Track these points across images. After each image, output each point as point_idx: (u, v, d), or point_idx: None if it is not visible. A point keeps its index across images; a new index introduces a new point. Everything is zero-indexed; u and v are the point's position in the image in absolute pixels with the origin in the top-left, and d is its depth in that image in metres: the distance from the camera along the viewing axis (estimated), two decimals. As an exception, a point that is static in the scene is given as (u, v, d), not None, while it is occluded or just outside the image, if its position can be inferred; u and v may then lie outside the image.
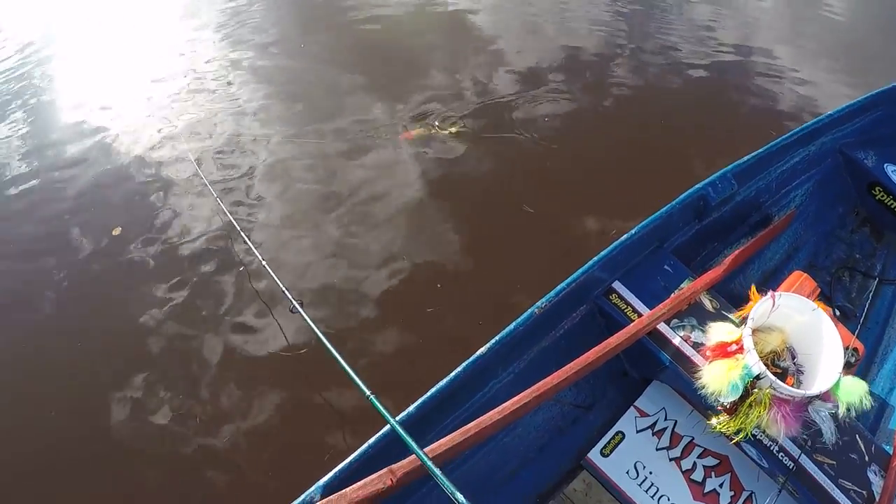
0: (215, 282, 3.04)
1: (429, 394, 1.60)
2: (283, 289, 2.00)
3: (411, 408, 1.57)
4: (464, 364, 1.66)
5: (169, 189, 3.59)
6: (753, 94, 4.46)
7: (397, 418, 1.50)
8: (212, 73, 4.61)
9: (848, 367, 1.82)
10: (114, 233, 3.34)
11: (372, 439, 1.52)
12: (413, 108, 4.14)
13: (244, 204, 3.47)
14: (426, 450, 1.38)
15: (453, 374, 1.64)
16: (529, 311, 1.77)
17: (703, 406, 1.71)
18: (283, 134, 3.99)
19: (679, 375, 1.78)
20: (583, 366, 1.62)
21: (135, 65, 4.76)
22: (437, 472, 1.27)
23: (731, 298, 1.98)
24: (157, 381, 2.66)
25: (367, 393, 1.47)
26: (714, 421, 1.62)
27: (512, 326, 1.74)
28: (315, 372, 2.62)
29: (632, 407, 2.01)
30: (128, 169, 3.77)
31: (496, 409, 1.48)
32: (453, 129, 3.92)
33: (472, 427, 1.44)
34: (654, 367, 1.95)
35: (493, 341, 1.70)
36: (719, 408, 1.59)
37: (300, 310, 1.86)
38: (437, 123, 3.98)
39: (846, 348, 1.74)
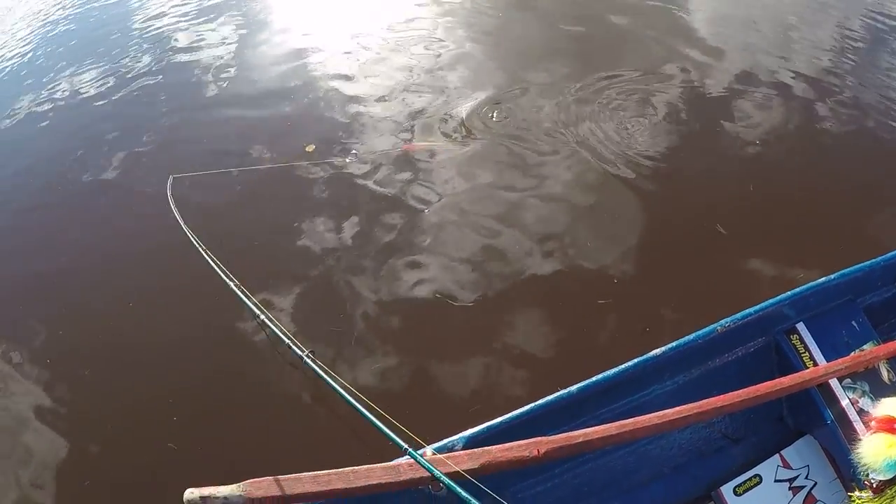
0: (384, 215, 3.41)
1: (592, 380, 1.71)
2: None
3: (573, 388, 1.69)
4: (634, 361, 1.74)
5: (360, 122, 4.12)
6: None
7: (556, 395, 1.67)
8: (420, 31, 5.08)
9: None
10: (307, 149, 3.90)
11: (524, 408, 1.67)
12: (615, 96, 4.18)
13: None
14: (576, 433, 1.54)
15: (621, 367, 1.74)
16: (711, 327, 1.80)
17: (849, 476, 1.67)
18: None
19: (835, 437, 1.76)
20: (747, 398, 1.64)
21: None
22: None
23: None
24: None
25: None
26: (856, 495, 1.57)
27: (690, 337, 1.78)
28: (484, 328, 2.84)
29: (778, 455, 1.98)
30: (328, 97, 4.40)
31: (655, 414, 1.57)
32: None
33: (625, 424, 1.55)
34: (813, 421, 1.91)
35: (667, 347, 1.76)
36: (866, 483, 1.54)
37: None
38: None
39: None
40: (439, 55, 4.79)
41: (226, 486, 1.47)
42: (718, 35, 4.83)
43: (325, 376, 1.69)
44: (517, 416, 1.66)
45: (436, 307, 2.94)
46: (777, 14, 5.18)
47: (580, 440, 1.56)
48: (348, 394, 1.59)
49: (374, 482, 1.42)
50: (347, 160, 3.83)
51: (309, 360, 1.82)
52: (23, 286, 3.51)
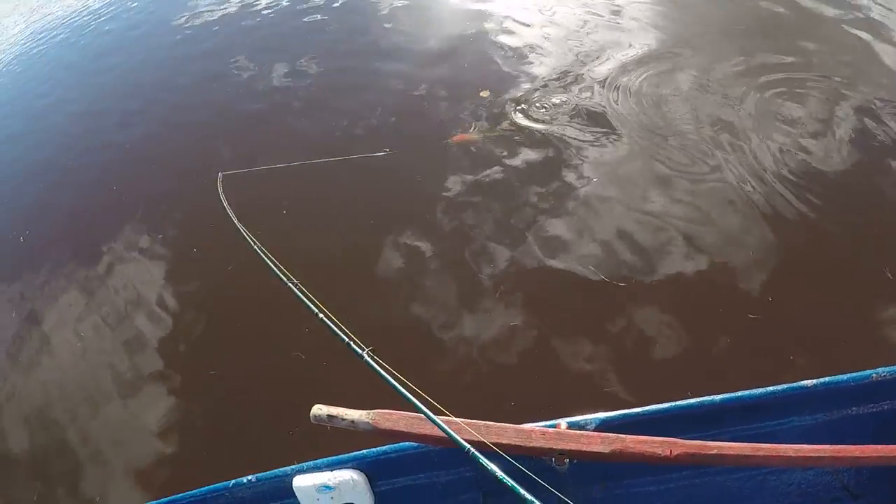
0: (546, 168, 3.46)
1: (735, 394, 1.63)
2: None
3: (716, 397, 1.61)
4: (782, 387, 1.65)
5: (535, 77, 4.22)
6: None
7: (697, 400, 1.59)
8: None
9: None
10: (481, 94, 4.08)
11: (662, 405, 1.60)
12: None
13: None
14: (712, 444, 1.47)
15: (768, 389, 1.65)
16: (867, 372, 1.68)
17: None
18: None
19: None
20: (888, 456, 1.51)
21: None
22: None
23: None
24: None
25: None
26: None
27: (843, 377, 1.67)
28: (611, 314, 2.80)
29: None
30: (500, 50, 4.56)
31: (791, 446, 1.48)
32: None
33: (761, 448, 1.47)
34: None
35: (818, 381, 1.66)
36: None
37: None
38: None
39: None
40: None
41: (355, 411, 1.47)
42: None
43: (387, 375, 1.58)
44: (652, 412, 1.59)
45: (567, 285, 2.94)
46: None
47: (714, 452, 1.49)
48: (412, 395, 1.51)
49: (503, 442, 1.40)
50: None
51: (368, 359, 1.80)
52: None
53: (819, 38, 4.30)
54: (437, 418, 1.42)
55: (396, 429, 1.42)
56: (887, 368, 1.69)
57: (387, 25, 5.33)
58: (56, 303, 4.06)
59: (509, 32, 4.83)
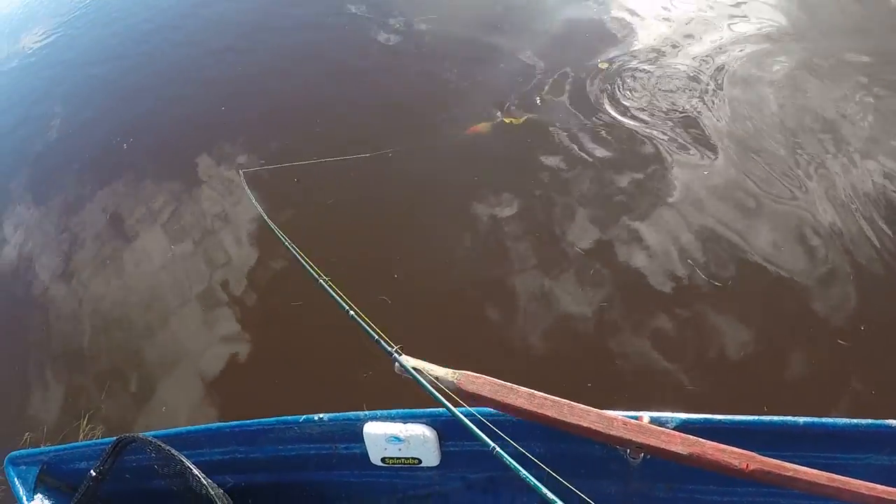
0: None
1: (819, 420, 1.59)
2: None
3: (799, 419, 1.58)
4: (866, 420, 1.61)
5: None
6: None
7: (778, 419, 1.56)
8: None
9: None
10: (600, 65, 4.19)
11: (742, 417, 1.57)
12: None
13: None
14: (788, 465, 1.43)
15: (849, 420, 1.61)
16: None
17: None
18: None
19: None
20: None
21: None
22: None
23: None
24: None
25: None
26: None
27: None
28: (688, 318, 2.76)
29: None
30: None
31: (864, 483, 1.43)
32: None
33: (836, 480, 1.42)
34: None
35: None
36: None
37: None
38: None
39: None
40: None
41: (441, 368, 1.50)
42: None
43: (416, 374, 1.60)
44: (733, 422, 1.57)
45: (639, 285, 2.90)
46: None
47: (790, 474, 1.45)
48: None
49: (584, 424, 1.40)
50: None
51: (396, 357, 1.80)
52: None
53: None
54: (521, 389, 1.44)
55: (480, 393, 1.45)
56: None
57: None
58: (147, 209, 4.35)
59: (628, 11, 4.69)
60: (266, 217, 2.58)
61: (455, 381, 1.47)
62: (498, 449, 1.75)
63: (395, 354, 1.61)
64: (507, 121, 3.97)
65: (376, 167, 3.86)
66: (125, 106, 5.48)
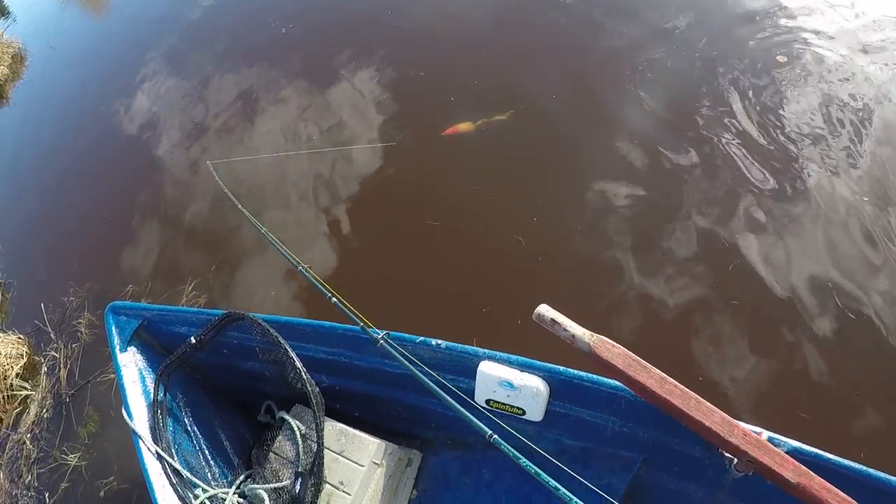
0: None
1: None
2: None
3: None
4: None
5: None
6: None
7: (887, 476, 1.54)
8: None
9: None
10: (778, 59, 3.96)
11: (852, 463, 1.54)
12: None
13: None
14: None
15: None
16: None
17: None
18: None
19: None
20: None
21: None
22: None
23: None
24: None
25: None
26: None
27: None
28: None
29: None
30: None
31: None
32: None
33: None
34: None
35: None
36: None
37: None
38: None
39: None
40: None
41: (579, 327, 1.55)
42: None
43: (402, 359, 1.72)
44: (845, 466, 1.54)
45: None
46: None
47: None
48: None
49: (706, 423, 1.42)
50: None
51: (384, 343, 1.85)
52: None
53: None
54: (654, 369, 1.47)
55: (613, 361, 1.49)
56: None
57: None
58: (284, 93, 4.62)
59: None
60: (240, 206, 2.58)
61: (591, 343, 1.52)
62: (603, 422, 1.79)
63: (383, 342, 1.81)
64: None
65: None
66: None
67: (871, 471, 1.58)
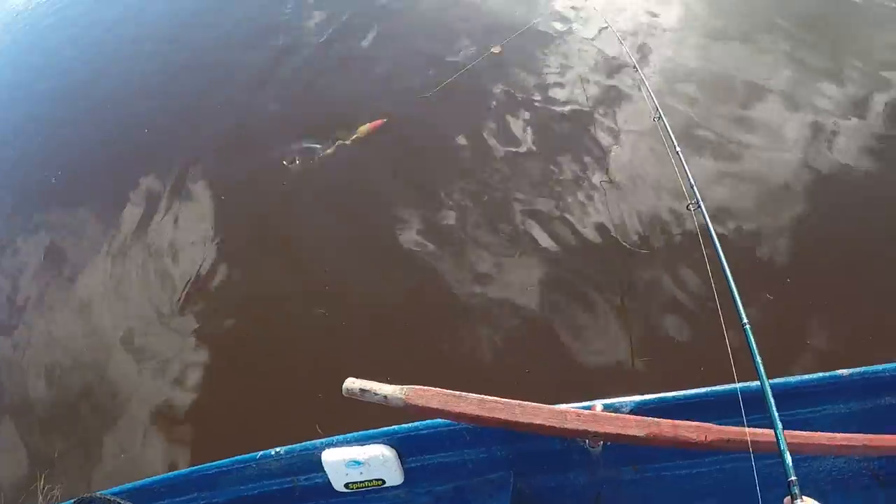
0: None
1: (771, 381, 1.55)
2: None
3: (752, 384, 1.56)
4: (818, 375, 1.65)
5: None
6: None
7: (729, 386, 1.57)
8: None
9: None
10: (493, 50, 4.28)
11: (696, 390, 1.57)
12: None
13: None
14: (746, 430, 1.44)
15: (803, 377, 1.65)
16: None
17: None
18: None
19: None
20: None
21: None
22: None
23: None
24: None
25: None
26: None
27: (880, 368, 1.69)
28: None
29: None
30: None
31: (825, 434, 1.49)
32: None
33: (796, 436, 1.47)
34: None
35: (854, 370, 1.67)
36: None
37: None
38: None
39: None
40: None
41: (388, 385, 1.46)
42: None
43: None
44: (687, 397, 1.58)
45: None
46: None
47: (748, 438, 1.47)
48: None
49: (537, 422, 1.37)
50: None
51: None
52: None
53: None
54: (470, 396, 1.41)
55: (430, 406, 1.41)
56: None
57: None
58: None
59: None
60: None
61: (403, 396, 1.43)
62: (460, 458, 1.74)
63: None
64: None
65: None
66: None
67: (713, 388, 1.61)
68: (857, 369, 1.67)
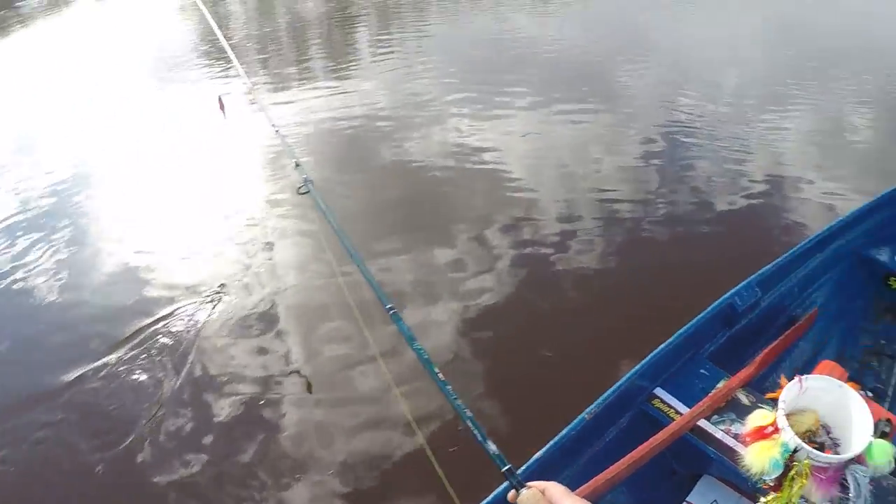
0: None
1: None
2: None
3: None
4: (541, 450, 1.76)
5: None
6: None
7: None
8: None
9: (884, 437, 1.63)
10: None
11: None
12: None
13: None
14: None
15: (537, 455, 1.75)
16: (580, 417, 1.86)
17: (751, 490, 1.76)
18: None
19: (725, 466, 1.85)
20: (631, 462, 1.70)
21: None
22: None
23: (766, 393, 2.01)
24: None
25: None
26: (762, 500, 1.63)
27: (564, 431, 1.82)
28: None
29: (685, 502, 2.05)
30: None
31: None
32: None
33: None
34: (701, 462, 2.04)
35: (549, 444, 1.78)
36: (765, 487, 1.61)
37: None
38: None
39: (879, 421, 1.68)
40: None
41: None
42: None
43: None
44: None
45: None
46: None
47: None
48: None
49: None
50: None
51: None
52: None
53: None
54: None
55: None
56: (592, 405, 1.92)
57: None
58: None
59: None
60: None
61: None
62: None
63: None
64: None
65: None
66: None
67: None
68: (551, 441, 1.80)
